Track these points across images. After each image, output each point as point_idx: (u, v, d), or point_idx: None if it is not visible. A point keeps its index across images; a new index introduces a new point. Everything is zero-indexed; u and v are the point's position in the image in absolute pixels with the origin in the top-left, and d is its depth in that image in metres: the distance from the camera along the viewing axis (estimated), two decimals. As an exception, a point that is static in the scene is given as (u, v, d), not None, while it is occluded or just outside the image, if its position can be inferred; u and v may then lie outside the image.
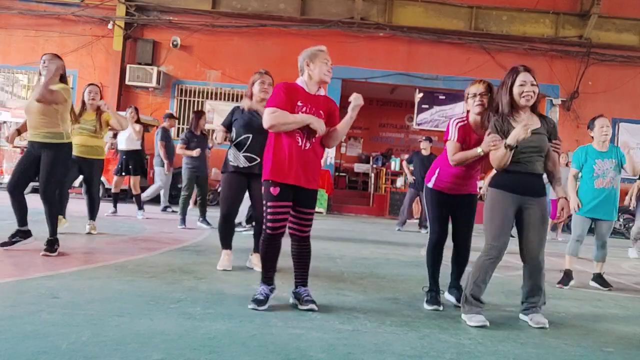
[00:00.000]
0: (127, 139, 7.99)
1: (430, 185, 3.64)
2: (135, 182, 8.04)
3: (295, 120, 3.04)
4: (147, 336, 2.41)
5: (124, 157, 7.99)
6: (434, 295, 3.50)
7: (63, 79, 4.51)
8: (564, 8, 12.99)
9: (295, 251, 3.23)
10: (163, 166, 8.84)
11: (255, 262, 4.33)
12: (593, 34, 12.68)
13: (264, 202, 3.11)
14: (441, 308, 3.42)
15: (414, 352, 2.50)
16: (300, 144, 3.08)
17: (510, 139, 3.04)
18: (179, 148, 7.16)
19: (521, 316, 3.31)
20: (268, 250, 3.14)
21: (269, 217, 3.07)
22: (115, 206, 8.01)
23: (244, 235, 5.98)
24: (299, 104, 3.10)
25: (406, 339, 2.71)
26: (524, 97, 3.14)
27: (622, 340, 3.06)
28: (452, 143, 3.45)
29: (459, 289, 3.57)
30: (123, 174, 8.06)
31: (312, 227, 3.25)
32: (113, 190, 8.13)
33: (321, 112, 3.15)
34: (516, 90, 3.14)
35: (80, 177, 6.01)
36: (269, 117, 3.04)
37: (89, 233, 5.74)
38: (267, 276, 3.17)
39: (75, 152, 5.61)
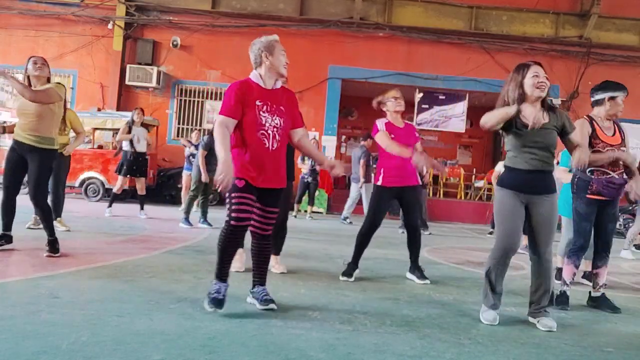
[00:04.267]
0: (136, 141, 7.94)
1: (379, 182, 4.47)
2: (142, 183, 8.05)
3: (219, 152, 2.78)
4: (147, 336, 2.41)
5: (140, 158, 7.95)
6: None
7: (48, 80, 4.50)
8: (564, 8, 12.99)
9: (256, 249, 3.13)
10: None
11: (272, 262, 4.33)
12: (593, 34, 12.69)
13: (228, 195, 2.94)
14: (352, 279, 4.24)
15: (414, 352, 2.50)
16: (267, 145, 2.93)
17: (530, 119, 3.00)
18: (201, 154, 7.20)
19: (530, 319, 3.28)
20: (228, 244, 2.95)
21: (233, 207, 2.89)
22: (110, 205, 7.97)
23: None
24: (258, 103, 2.92)
25: (406, 339, 2.71)
26: (538, 87, 3.10)
27: (622, 340, 3.06)
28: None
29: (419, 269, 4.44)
30: (138, 175, 8.01)
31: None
32: (115, 191, 8.10)
33: (282, 108, 2.99)
34: (529, 81, 3.10)
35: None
36: (216, 128, 2.86)
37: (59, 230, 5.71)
38: (223, 272, 3.00)
39: None
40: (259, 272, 3.17)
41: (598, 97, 4.02)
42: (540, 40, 12.84)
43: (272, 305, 3.03)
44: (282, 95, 3.04)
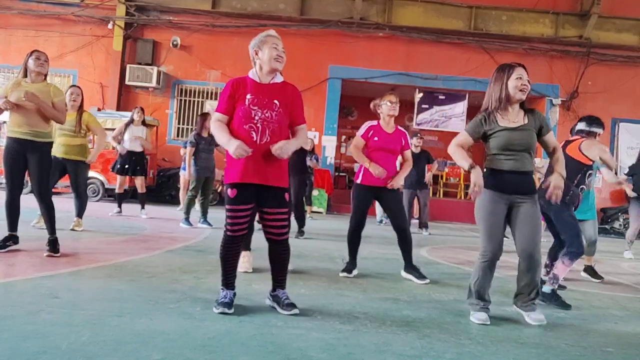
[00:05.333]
0: (131, 140, 7.94)
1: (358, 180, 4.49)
2: (141, 182, 8.04)
3: (222, 140, 2.89)
4: (147, 336, 2.41)
5: (133, 158, 7.93)
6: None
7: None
8: (563, 8, 12.98)
9: (272, 255, 3.09)
10: None
11: None
12: (593, 34, 12.68)
13: (225, 203, 2.99)
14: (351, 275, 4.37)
15: (414, 352, 2.50)
16: (255, 139, 2.88)
17: (473, 180, 3.13)
18: (189, 151, 7.21)
19: (519, 310, 3.31)
20: (228, 253, 3.00)
21: (228, 220, 2.95)
22: (119, 206, 8.02)
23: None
24: (248, 96, 2.91)
25: (406, 339, 2.71)
26: (521, 90, 3.13)
27: (622, 340, 3.06)
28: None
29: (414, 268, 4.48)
30: (130, 174, 8.00)
31: (289, 229, 3.09)
32: (117, 191, 8.12)
33: (275, 101, 2.93)
34: (512, 83, 3.14)
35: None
36: (212, 124, 2.99)
37: (72, 229, 5.80)
38: (229, 280, 3.04)
39: (59, 154, 5.62)
40: (279, 277, 3.13)
41: (596, 130, 4.46)
42: (540, 40, 12.83)
43: (295, 311, 2.98)
44: (280, 90, 3.00)
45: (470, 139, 3.26)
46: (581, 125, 4.48)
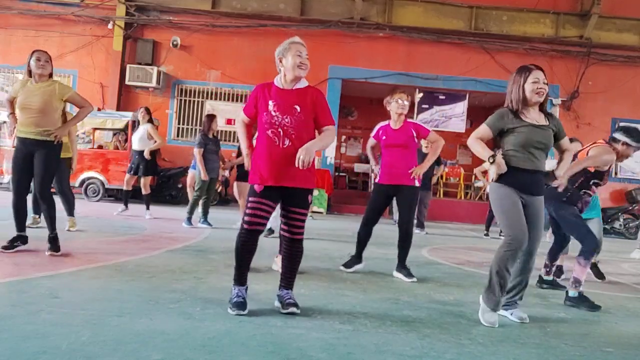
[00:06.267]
0: (139, 139, 7.91)
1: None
2: (145, 182, 8.00)
3: (242, 145, 3.28)
4: (147, 336, 2.41)
5: (136, 156, 7.92)
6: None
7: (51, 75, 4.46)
8: (564, 8, 12.98)
9: (285, 253, 3.15)
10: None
11: (275, 259, 4.46)
12: (593, 33, 12.67)
13: (247, 197, 3.06)
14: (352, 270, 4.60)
15: (414, 352, 2.50)
16: (277, 142, 2.96)
17: (498, 168, 3.15)
18: (198, 152, 7.19)
19: (500, 311, 3.31)
20: (242, 247, 2.99)
21: (247, 211, 2.97)
22: (126, 204, 8.01)
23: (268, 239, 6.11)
24: (271, 102, 3.00)
25: (406, 339, 2.71)
26: (537, 93, 3.16)
27: (622, 341, 3.06)
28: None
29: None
30: (132, 173, 7.98)
31: (304, 229, 3.13)
32: (125, 188, 8.12)
33: (296, 107, 2.98)
34: (529, 87, 3.16)
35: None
36: (237, 122, 3.29)
37: (69, 230, 5.77)
38: (241, 276, 3.04)
39: None
40: (287, 276, 3.16)
41: (619, 138, 4.20)
42: (540, 40, 12.83)
43: (292, 309, 2.99)
44: (301, 95, 3.05)
45: (490, 132, 3.25)
46: (615, 134, 4.29)
